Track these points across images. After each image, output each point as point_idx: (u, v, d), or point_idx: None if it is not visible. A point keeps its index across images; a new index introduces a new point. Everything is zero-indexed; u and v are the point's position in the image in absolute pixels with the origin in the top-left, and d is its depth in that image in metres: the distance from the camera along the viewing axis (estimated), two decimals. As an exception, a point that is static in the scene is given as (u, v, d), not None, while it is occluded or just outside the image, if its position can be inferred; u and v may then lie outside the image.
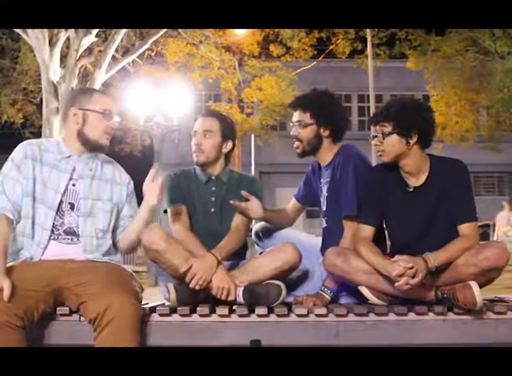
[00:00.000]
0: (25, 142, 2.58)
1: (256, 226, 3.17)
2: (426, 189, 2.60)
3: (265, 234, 3.10)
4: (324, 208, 2.92)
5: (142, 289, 2.49)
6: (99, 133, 2.54)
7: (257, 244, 3.15)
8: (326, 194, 2.88)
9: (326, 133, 2.89)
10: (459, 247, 2.47)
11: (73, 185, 2.53)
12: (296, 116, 2.94)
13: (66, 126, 2.58)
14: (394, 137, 2.56)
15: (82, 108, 2.53)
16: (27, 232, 2.43)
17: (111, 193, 2.60)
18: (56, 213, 2.46)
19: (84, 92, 2.66)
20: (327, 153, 2.91)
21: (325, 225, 2.92)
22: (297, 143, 2.93)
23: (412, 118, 2.57)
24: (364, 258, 2.53)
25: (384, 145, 2.58)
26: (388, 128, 2.57)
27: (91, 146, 2.55)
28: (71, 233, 2.49)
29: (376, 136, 2.61)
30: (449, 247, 2.47)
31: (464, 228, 2.54)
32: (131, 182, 2.70)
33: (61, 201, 2.48)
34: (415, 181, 2.62)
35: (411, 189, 2.62)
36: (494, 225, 15.55)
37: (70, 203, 2.51)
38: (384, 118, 2.60)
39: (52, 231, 2.46)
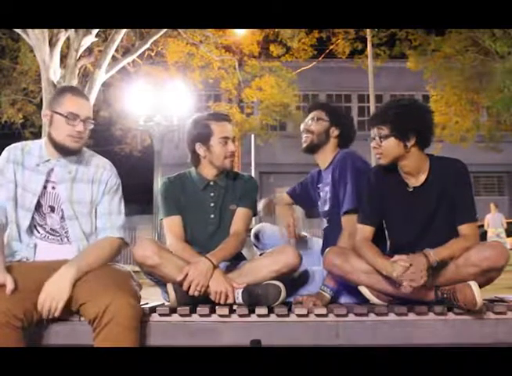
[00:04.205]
0: (11, 145, 2.57)
1: (255, 227, 3.17)
2: (425, 190, 2.60)
3: (264, 236, 3.10)
4: (326, 208, 2.93)
5: (140, 286, 2.48)
6: (63, 137, 2.47)
7: (256, 246, 3.15)
8: (329, 195, 2.90)
9: (335, 133, 2.99)
10: (460, 246, 2.47)
11: (53, 188, 2.51)
12: (311, 114, 3.05)
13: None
14: (392, 140, 2.55)
15: (52, 110, 2.49)
16: (15, 236, 2.46)
17: (91, 194, 2.54)
18: (37, 215, 2.48)
19: (60, 92, 2.56)
20: (328, 155, 2.96)
21: (326, 225, 2.93)
22: (305, 135, 3.01)
23: (409, 121, 2.56)
24: (364, 259, 2.53)
25: (382, 147, 2.58)
26: (386, 131, 2.56)
27: (60, 150, 2.50)
28: (55, 233, 2.50)
29: (374, 139, 2.61)
30: (450, 244, 2.47)
31: (464, 228, 2.53)
32: (113, 179, 2.58)
33: (40, 204, 2.49)
34: (414, 181, 2.62)
35: (411, 190, 2.62)
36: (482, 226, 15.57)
37: (50, 206, 2.50)
38: (381, 121, 2.59)
39: (38, 231, 2.48)
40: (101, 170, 2.58)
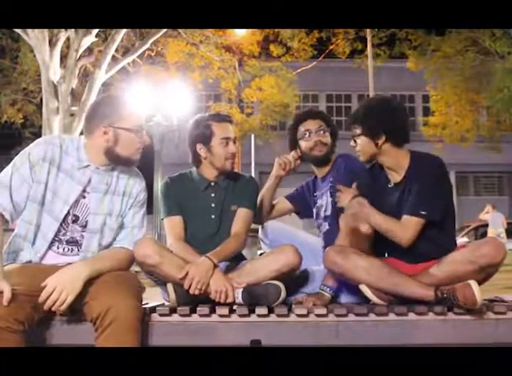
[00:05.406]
0: (48, 138, 2.44)
1: (265, 224, 3.17)
2: (403, 186, 2.63)
3: (273, 232, 3.11)
4: (328, 213, 2.96)
5: (144, 288, 2.47)
6: (133, 151, 2.43)
7: (264, 242, 3.16)
8: (331, 199, 2.92)
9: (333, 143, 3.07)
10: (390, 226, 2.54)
11: (84, 197, 2.42)
12: (316, 123, 3.05)
13: (91, 139, 2.41)
14: (363, 138, 2.66)
15: (113, 126, 2.37)
16: (29, 238, 2.36)
17: (120, 207, 2.48)
18: (61, 225, 2.38)
19: (113, 106, 2.42)
20: (327, 164, 3.04)
21: (327, 227, 2.95)
22: (323, 148, 3.01)
23: (377, 120, 2.63)
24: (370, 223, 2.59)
25: (357, 146, 2.68)
26: (358, 130, 2.67)
27: (120, 163, 2.44)
28: (73, 242, 2.42)
29: (351, 138, 2.71)
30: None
31: (404, 218, 2.55)
32: (142, 193, 2.54)
33: (68, 213, 2.39)
34: (396, 177, 2.67)
35: (391, 186, 2.67)
36: (479, 227, 15.64)
37: (74, 215, 2.41)
38: (353, 121, 2.70)
39: (53, 241, 2.39)
40: (132, 182, 2.51)
